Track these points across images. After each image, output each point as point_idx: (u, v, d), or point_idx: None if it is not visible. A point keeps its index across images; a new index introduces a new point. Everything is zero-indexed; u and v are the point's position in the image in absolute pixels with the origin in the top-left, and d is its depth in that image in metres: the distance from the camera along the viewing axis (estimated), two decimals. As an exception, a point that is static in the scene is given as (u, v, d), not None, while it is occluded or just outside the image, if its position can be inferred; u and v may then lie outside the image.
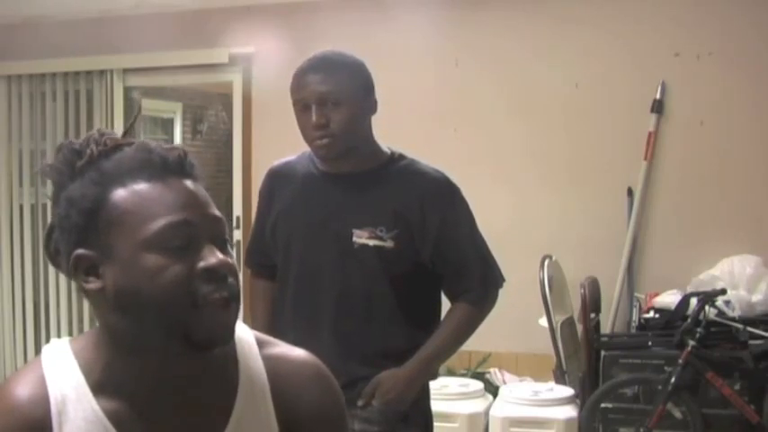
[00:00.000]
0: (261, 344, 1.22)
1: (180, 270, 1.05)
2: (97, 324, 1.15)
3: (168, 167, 1.10)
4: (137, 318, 1.07)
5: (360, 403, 2.23)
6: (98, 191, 1.08)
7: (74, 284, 1.13)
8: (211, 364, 1.14)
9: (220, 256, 1.08)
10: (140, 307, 1.06)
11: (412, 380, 2.26)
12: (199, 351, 1.09)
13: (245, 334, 1.21)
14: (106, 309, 1.10)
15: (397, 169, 2.29)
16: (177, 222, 1.07)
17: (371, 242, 2.22)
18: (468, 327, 2.32)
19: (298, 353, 1.24)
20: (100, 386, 1.10)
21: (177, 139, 10.26)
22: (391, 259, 2.23)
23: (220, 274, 1.07)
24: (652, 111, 4.53)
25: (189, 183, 1.11)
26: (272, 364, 1.20)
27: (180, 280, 1.05)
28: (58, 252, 1.14)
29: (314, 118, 2.19)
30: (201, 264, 1.06)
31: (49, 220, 1.16)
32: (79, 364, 1.12)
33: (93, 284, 1.09)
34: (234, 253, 1.14)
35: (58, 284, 5.51)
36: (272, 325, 2.39)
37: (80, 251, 1.09)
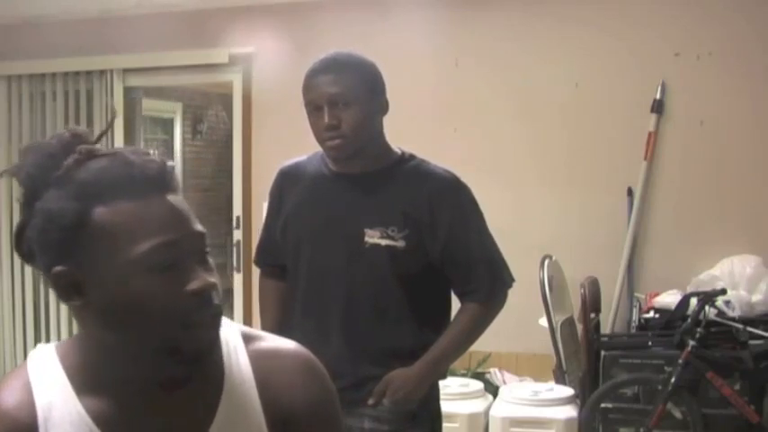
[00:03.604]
0: (248, 339, 1.21)
1: (168, 292, 1.06)
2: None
3: (149, 183, 1.08)
4: (125, 335, 1.08)
5: (370, 402, 2.25)
6: (78, 207, 1.06)
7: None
8: (193, 367, 1.13)
9: (205, 277, 1.08)
10: (129, 326, 1.07)
11: (421, 379, 2.26)
12: (187, 364, 1.10)
13: (230, 330, 1.20)
14: (92, 323, 1.10)
15: (407, 169, 2.30)
16: (163, 244, 1.06)
17: (383, 242, 2.23)
18: (477, 326, 2.33)
19: (287, 346, 1.23)
20: (85, 389, 1.11)
21: (177, 139, 10.27)
22: (402, 259, 2.24)
23: (206, 296, 1.08)
24: (652, 111, 4.53)
25: (170, 198, 1.09)
26: (259, 359, 1.19)
27: (169, 303, 1.06)
28: (32, 253, 1.12)
29: (325, 119, 2.20)
30: (189, 287, 1.07)
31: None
32: (64, 368, 1.12)
33: (77, 302, 1.09)
34: (213, 262, 1.14)
35: (58, 284, 5.50)
36: (282, 325, 2.40)
37: (60, 268, 1.07)
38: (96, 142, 1.13)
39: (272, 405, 1.17)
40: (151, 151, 1.12)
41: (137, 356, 1.09)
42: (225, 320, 1.20)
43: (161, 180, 1.09)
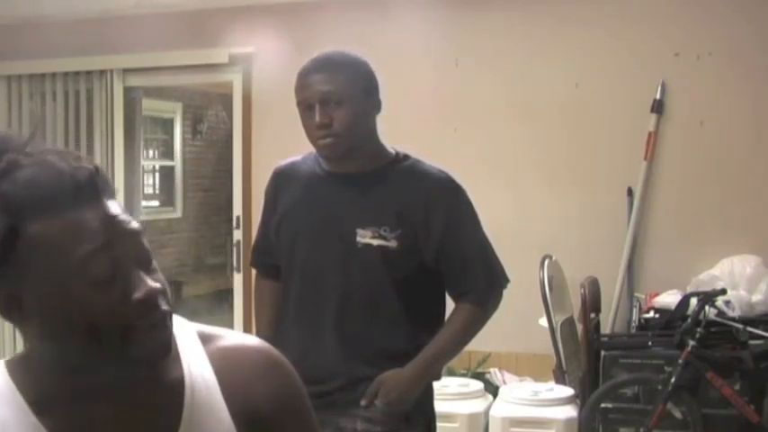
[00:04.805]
0: (206, 339, 1.17)
1: (109, 302, 1.02)
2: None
3: (80, 191, 1.02)
4: (69, 348, 1.05)
5: (363, 403, 2.23)
6: (8, 222, 1.01)
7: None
8: (152, 370, 1.09)
9: (149, 282, 1.04)
10: (73, 339, 1.03)
11: (415, 380, 2.25)
12: (139, 368, 1.06)
13: (185, 331, 1.17)
14: (35, 337, 1.08)
15: (401, 169, 2.29)
16: (98, 249, 1.01)
17: (375, 242, 2.22)
18: (471, 327, 2.32)
19: (247, 343, 1.19)
20: (40, 404, 1.07)
21: (177, 139, 10.29)
22: (395, 259, 2.23)
23: (152, 303, 1.03)
24: (652, 111, 4.53)
25: (104, 203, 1.04)
26: (220, 359, 1.15)
27: (110, 313, 1.02)
28: None
29: (317, 117, 2.19)
30: (134, 296, 1.02)
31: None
32: (16, 384, 1.09)
33: (16, 317, 1.05)
34: (155, 263, 1.08)
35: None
36: (277, 325, 2.39)
37: None
38: (26, 147, 1.06)
39: (237, 403, 1.13)
40: (80, 154, 1.06)
41: (83, 368, 1.06)
42: (179, 321, 1.17)
43: (93, 186, 1.03)
